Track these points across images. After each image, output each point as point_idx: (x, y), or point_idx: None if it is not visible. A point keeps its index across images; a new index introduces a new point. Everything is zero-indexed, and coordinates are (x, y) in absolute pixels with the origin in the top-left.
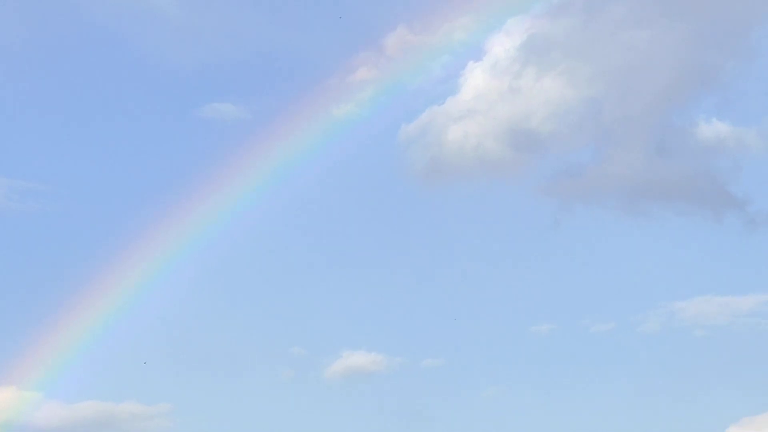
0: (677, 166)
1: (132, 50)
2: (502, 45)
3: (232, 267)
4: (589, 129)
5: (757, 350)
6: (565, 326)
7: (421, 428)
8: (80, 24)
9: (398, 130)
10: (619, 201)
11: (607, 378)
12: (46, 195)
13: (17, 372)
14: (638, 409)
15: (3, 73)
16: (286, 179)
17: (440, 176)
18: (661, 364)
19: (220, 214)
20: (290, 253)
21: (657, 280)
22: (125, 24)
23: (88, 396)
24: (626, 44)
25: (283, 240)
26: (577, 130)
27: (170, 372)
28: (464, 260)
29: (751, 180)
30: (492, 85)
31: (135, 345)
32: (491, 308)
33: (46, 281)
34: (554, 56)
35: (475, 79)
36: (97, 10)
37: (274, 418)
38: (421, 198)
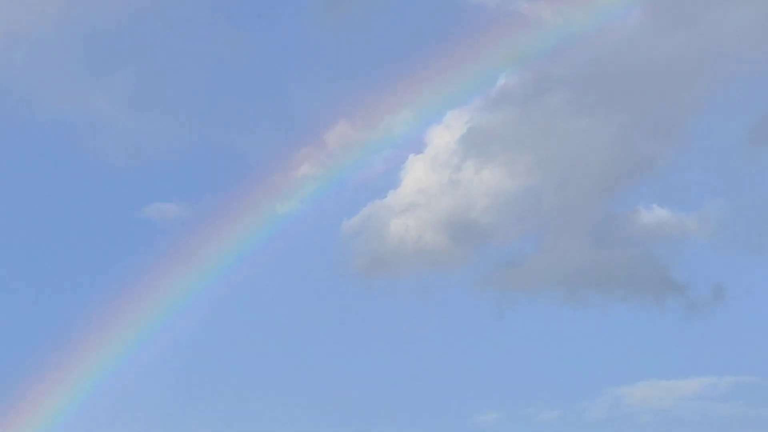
0: (618, 253)
1: (73, 152)
2: (442, 138)
3: (173, 367)
4: (530, 219)
5: None
6: (511, 415)
7: None
8: (20, 126)
9: (340, 225)
10: (561, 290)
11: None
12: None
13: None
14: None
15: None
16: (228, 277)
17: (383, 270)
18: None
19: (162, 314)
20: (234, 349)
21: (601, 367)
22: (66, 126)
23: None
24: (564, 134)
25: (227, 337)
26: (518, 220)
27: None
28: (408, 353)
29: (691, 265)
30: (433, 178)
31: None
32: (437, 399)
33: None
34: (494, 148)
35: (416, 172)
36: (37, 112)
37: None
38: (364, 292)
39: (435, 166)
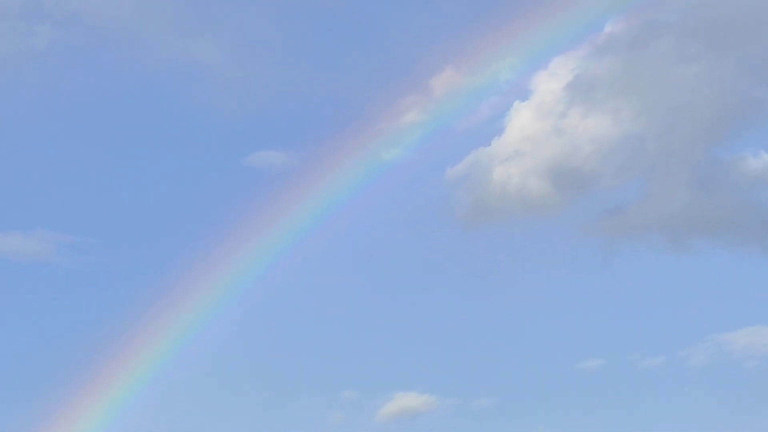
0: (723, 199)
1: (179, 103)
2: (548, 84)
3: (281, 310)
4: (634, 166)
5: None
6: (615, 361)
7: None
8: (130, 73)
9: (445, 172)
10: (665, 237)
11: (658, 412)
12: (96, 249)
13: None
14: None
15: (53, 131)
16: (334, 222)
17: (486, 218)
18: (713, 397)
19: (268, 258)
20: (341, 295)
21: (705, 313)
22: (174, 73)
23: None
24: (670, 80)
25: (333, 283)
26: (622, 167)
27: (219, 417)
28: (512, 300)
29: None
30: (537, 126)
31: (180, 390)
32: (541, 346)
33: (91, 335)
34: (599, 95)
35: (521, 119)
36: (147, 59)
37: None
38: (467, 239)
39: (540, 113)
